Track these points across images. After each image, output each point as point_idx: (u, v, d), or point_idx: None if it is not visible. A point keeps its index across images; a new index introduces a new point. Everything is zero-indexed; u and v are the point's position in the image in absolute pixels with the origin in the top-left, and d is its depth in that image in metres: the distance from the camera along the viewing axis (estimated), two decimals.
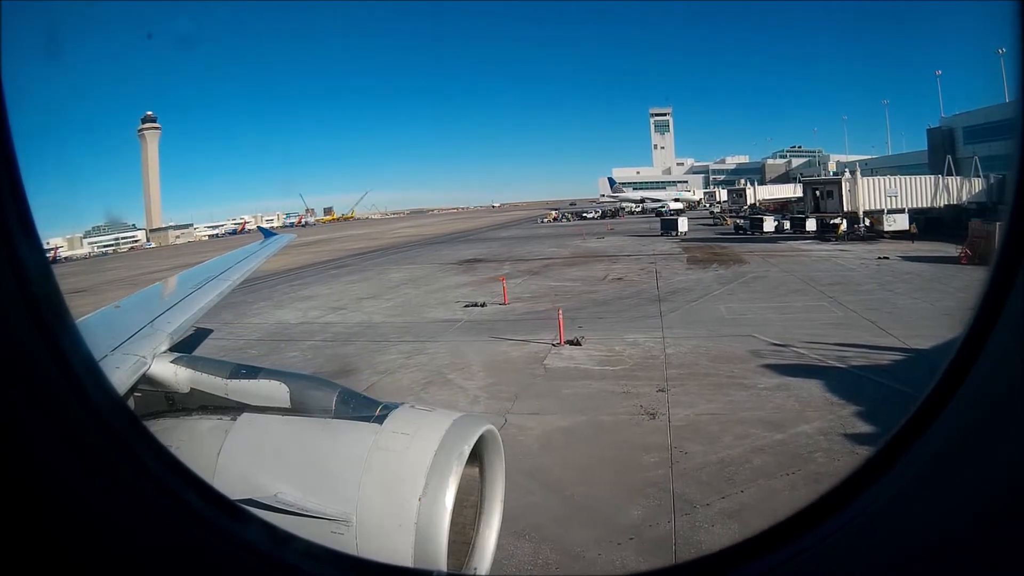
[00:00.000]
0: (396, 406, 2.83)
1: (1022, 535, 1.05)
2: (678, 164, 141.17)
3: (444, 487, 2.44)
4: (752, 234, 43.19)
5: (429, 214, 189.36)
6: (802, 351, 13.89)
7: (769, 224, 42.99)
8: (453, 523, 2.43)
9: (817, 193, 40.96)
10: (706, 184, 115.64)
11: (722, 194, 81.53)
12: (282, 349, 17.93)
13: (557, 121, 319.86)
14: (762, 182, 77.14)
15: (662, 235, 47.74)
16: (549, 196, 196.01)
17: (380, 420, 2.72)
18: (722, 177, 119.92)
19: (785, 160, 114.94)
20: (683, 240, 43.78)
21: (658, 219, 72.42)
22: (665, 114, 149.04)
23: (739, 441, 9.50)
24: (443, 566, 2.38)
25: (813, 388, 11.40)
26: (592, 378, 12.92)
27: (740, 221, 48.85)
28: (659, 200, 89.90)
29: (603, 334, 16.27)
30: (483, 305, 22.03)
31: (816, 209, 40.14)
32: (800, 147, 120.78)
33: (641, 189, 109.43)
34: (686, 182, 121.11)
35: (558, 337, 15.89)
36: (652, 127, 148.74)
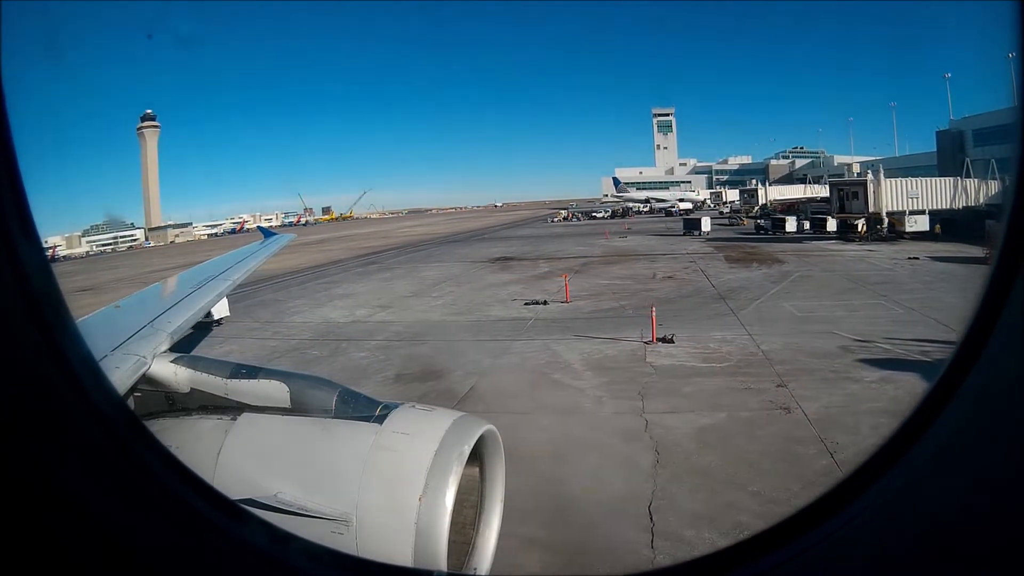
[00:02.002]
0: (396, 406, 2.83)
1: (1022, 535, 1.05)
2: (681, 164, 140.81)
3: (444, 487, 2.44)
4: (774, 234, 42.99)
5: (428, 214, 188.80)
6: (886, 347, 13.87)
7: (791, 224, 42.86)
8: (453, 523, 2.43)
9: (842, 194, 41.13)
10: (709, 184, 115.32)
11: (729, 194, 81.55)
12: (345, 350, 17.06)
13: (558, 121, 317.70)
14: (765, 183, 77.29)
15: (684, 234, 47.32)
16: (550, 196, 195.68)
17: (380, 420, 2.72)
18: (725, 177, 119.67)
19: (788, 161, 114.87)
20: (708, 240, 43.41)
21: (667, 218, 72.93)
22: (668, 114, 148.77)
23: (876, 432, 9.46)
24: (443, 566, 2.38)
25: (915, 381, 11.36)
26: (704, 375, 12.68)
27: (761, 221, 48.66)
28: (664, 200, 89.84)
29: (687, 332, 16.02)
30: (545, 303, 21.44)
31: (841, 209, 40.30)
32: (802, 148, 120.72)
33: (644, 189, 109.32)
34: (689, 182, 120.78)
35: (647, 335, 15.71)
36: (655, 127, 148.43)
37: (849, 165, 61.35)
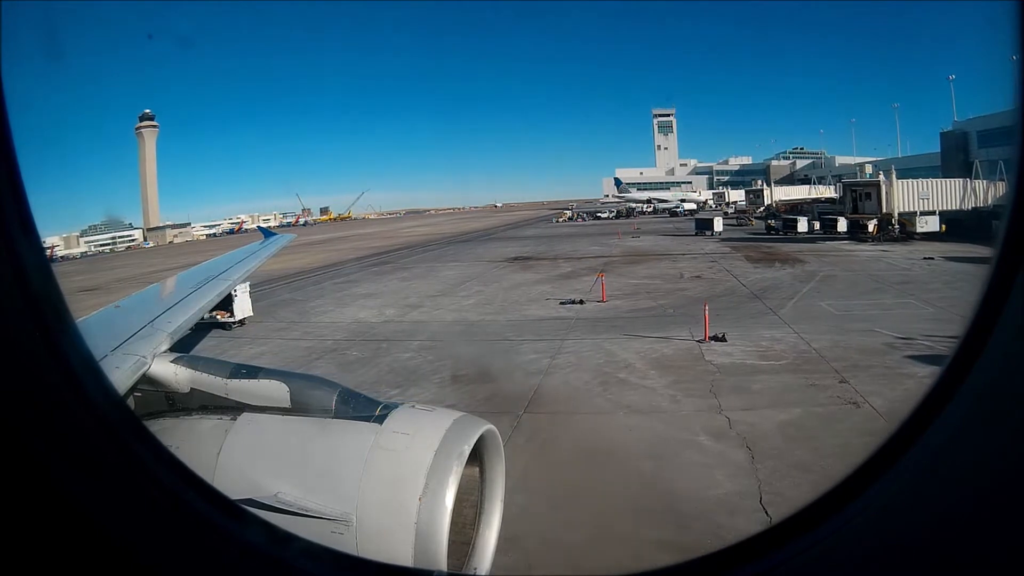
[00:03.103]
0: (396, 406, 2.83)
1: (1022, 535, 1.05)
2: (681, 165, 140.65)
3: (444, 487, 2.44)
4: (785, 234, 43.33)
5: (426, 214, 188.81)
6: (928, 343, 13.92)
7: (802, 225, 43.25)
8: (453, 523, 2.44)
9: (855, 194, 41.37)
10: (710, 185, 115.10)
11: (731, 195, 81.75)
12: (387, 351, 16.65)
13: (558, 121, 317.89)
14: (767, 183, 77.53)
15: (696, 234, 47.51)
16: (549, 197, 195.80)
17: (380, 420, 2.72)
18: (726, 178, 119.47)
19: (789, 162, 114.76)
20: (722, 240, 43.50)
21: (672, 219, 73.77)
22: (669, 115, 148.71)
23: None
24: (443, 566, 2.38)
25: None
26: (766, 372, 12.83)
27: (772, 222, 48.88)
28: (666, 200, 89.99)
29: (735, 330, 16.03)
30: (581, 303, 21.27)
31: (854, 210, 40.63)
32: (802, 149, 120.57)
33: (645, 190, 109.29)
34: (690, 183, 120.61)
35: (696, 333, 15.77)
36: (655, 128, 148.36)
37: (861, 166, 61.51)
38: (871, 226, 37.60)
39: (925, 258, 28.17)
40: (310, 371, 14.37)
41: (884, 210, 37.44)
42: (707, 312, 15.97)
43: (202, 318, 20.44)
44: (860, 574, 1.18)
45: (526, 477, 8.39)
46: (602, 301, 21.49)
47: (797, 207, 53.84)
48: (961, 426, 1.15)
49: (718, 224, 48.35)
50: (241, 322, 20.79)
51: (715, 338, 15.20)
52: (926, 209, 36.95)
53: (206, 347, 17.90)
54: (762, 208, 61.44)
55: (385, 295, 26.47)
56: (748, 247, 37.60)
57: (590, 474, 8.74)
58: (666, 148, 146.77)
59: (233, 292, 20.08)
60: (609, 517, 7.47)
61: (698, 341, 15.27)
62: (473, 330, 18.49)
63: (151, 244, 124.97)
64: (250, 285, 20.37)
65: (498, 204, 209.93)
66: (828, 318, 17.26)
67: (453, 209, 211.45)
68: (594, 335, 16.78)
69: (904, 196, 37.52)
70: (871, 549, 1.18)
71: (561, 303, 21.65)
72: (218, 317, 20.44)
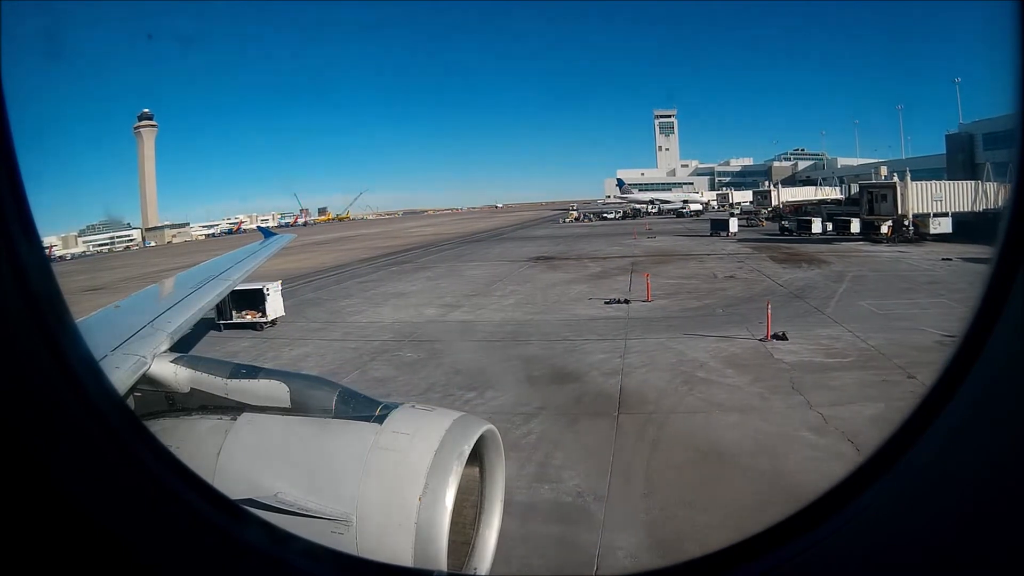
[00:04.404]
0: (396, 406, 2.83)
1: (1022, 534, 1.05)
2: (682, 166, 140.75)
3: (444, 487, 2.44)
4: (799, 235, 43.91)
5: (424, 215, 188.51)
6: None
7: (817, 226, 43.80)
8: (453, 523, 2.44)
9: (871, 196, 41.91)
10: (712, 186, 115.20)
11: (735, 196, 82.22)
12: (442, 351, 16.23)
13: (558, 122, 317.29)
14: (778, 184, 78.10)
15: (711, 235, 48.19)
16: (549, 197, 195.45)
17: (380, 420, 2.72)
18: (727, 179, 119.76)
19: (791, 163, 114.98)
20: (739, 240, 43.89)
21: (679, 220, 74.94)
22: (670, 115, 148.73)
23: None
24: (443, 566, 2.38)
25: None
26: (837, 369, 12.92)
27: (785, 223, 49.61)
28: (668, 201, 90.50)
29: (789, 329, 16.09)
30: (627, 302, 21.25)
31: (871, 211, 41.13)
32: (803, 150, 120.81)
33: (647, 191, 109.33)
34: (691, 184, 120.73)
35: (753, 332, 15.96)
36: (656, 128, 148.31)
37: (876, 168, 62.01)
38: (884, 227, 38.15)
39: (943, 259, 28.27)
40: (367, 373, 14.33)
41: (900, 211, 37.96)
42: (769, 311, 16.13)
43: (231, 318, 19.64)
44: (860, 574, 1.18)
45: (649, 479, 8.43)
46: (647, 301, 21.44)
47: (802, 208, 54.32)
48: (961, 426, 1.15)
49: (733, 225, 49.06)
50: (272, 322, 20.31)
51: (776, 336, 15.35)
52: (939, 211, 37.47)
53: (240, 348, 17.78)
54: (769, 209, 62.05)
55: (416, 295, 26.15)
56: (767, 248, 37.75)
57: (713, 473, 8.68)
58: (667, 149, 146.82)
59: (265, 291, 19.74)
60: (752, 514, 7.18)
61: (760, 340, 15.38)
62: (527, 330, 18.20)
63: (153, 243, 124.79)
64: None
65: (498, 205, 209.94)
66: (873, 317, 17.37)
67: (451, 210, 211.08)
68: (655, 334, 16.73)
69: (918, 198, 38.01)
70: (871, 549, 1.18)
71: (606, 302, 21.49)
72: (248, 317, 19.98)
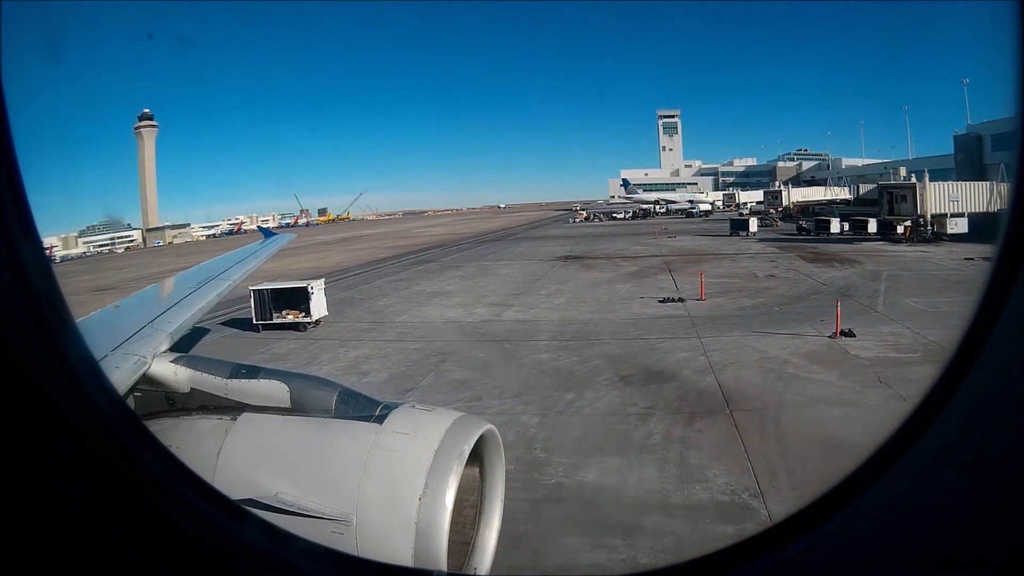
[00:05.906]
0: (396, 406, 2.83)
1: (1021, 534, 1.05)
2: (686, 166, 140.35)
3: (444, 487, 2.44)
4: (818, 235, 44.35)
5: (425, 215, 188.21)
6: None
7: (835, 226, 44.28)
8: (453, 523, 2.43)
9: (891, 196, 42.47)
10: (716, 186, 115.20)
11: (741, 196, 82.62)
12: (515, 352, 15.89)
13: (561, 122, 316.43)
14: (788, 184, 78.30)
15: (731, 234, 48.77)
16: (551, 198, 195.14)
17: (380, 420, 2.72)
18: (731, 179, 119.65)
19: (795, 163, 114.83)
20: (761, 240, 44.31)
21: (689, 220, 75.84)
22: (674, 116, 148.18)
23: None
24: (443, 566, 2.38)
25: None
26: (912, 364, 13.07)
27: (803, 223, 50.10)
28: (675, 201, 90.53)
29: (852, 327, 16.14)
30: (682, 300, 21.26)
31: (891, 211, 41.71)
32: (806, 150, 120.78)
33: (651, 191, 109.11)
34: (695, 184, 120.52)
35: (820, 329, 16.16)
36: (660, 129, 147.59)
37: (896, 168, 62.33)
38: (901, 227, 38.68)
39: (966, 259, 28.45)
40: (443, 375, 14.19)
41: (919, 212, 38.46)
42: (839, 309, 16.28)
43: (271, 319, 18.64)
44: (860, 574, 1.18)
45: (791, 473, 8.51)
46: (701, 300, 21.41)
47: (810, 208, 54.64)
48: (961, 426, 1.15)
49: (753, 225, 49.74)
50: (316, 322, 19.69)
51: (844, 333, 15.49)
52: (956, 211, 37.95)
53: (288, 350, 17.22)
54: (780, 209, 62.86)
55: (457, 294, 25.77)
56: (792, 247, 37.90)
57: (846, 464, 8.78)
58: (671, 149, 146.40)
59: (309, 290, 19.18)
60: None
61: (829, 337, 15.54)
62: (593, 329, 17.82)
63: (160, 243, 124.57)
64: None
65: (502, 205, 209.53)
66: (923, 314, 17.48)
67: (452, 210, 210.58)
68: (726, 333, 16.71)
69: (936, 198, 38.47)
70: (871, 549, 1.18)
71: (659, 301, 21.48)
72: (290, 317, 19.17)
